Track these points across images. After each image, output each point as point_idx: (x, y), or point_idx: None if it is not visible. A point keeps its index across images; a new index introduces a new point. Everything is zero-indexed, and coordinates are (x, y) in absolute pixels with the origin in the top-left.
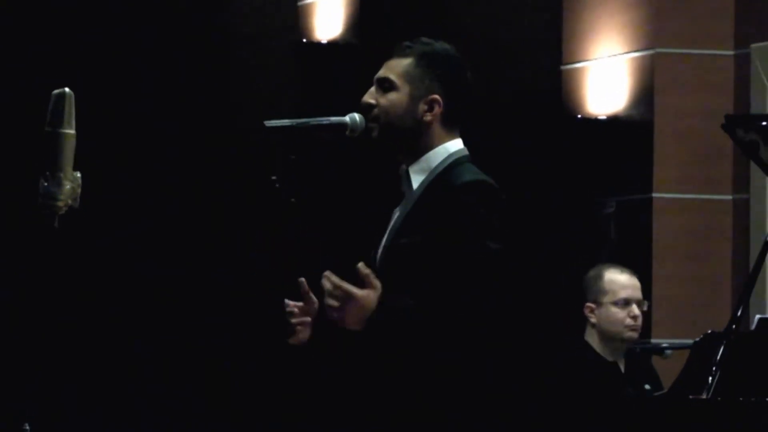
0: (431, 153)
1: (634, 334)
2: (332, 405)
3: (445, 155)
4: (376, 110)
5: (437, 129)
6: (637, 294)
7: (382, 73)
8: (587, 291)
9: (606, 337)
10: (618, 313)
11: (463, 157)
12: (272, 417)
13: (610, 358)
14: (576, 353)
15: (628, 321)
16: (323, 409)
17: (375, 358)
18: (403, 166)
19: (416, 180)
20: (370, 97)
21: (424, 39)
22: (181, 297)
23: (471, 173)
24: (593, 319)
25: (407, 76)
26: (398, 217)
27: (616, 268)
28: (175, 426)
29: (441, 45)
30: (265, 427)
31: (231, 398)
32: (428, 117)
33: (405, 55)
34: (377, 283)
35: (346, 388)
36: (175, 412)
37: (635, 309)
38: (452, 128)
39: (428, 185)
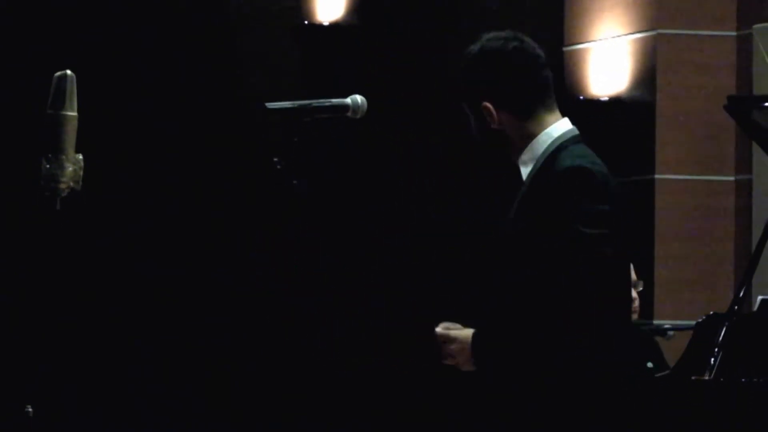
0: (535, 141)
1: (633, 315)
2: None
3: (549, 141)
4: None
5: (518, 125)
6: (632, 275)
7: None
8: None
9: None
10: None
11: (570, 139)
12: (272, 417)
13: None
14: None
15: None
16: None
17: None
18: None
19: (525, 170)
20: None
21: (465, 51)
22: (181, 297)
23: (570, 158)
24: None
25: (464, 99)
26: (513, 207)
27: None
28: (175, 426)
29: (476, 47)
30: (265, 427)
31: (231, 398)
32: (495, 124)
33: (457, 80)
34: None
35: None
36: (175, 412)
37: (632, 291)
38: (536, 113)
39: (534, 174)
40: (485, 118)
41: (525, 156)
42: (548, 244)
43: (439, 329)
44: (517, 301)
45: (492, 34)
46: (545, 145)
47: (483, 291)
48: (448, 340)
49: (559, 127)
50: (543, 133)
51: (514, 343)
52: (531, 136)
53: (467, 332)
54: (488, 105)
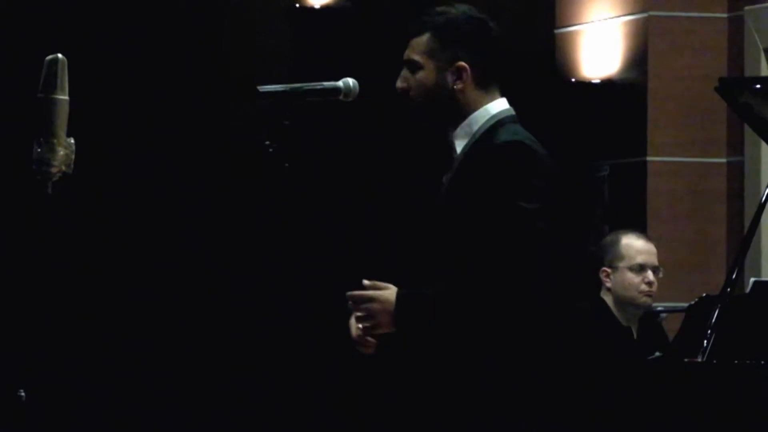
0: (472, 117)
1: (649, 300)
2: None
3: (487, 117)
4: (411, 92)
5: (473, 93)
6: (653, 260)
7: (406, 54)
8: (604, 255)
9: (620, 301)
10: (633, 278)
11: (507, 117)
12: (272, 417)
13: (624, 323)
14: (592, 313)
15: (643, 287)
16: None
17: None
18: (450, 134)
19: (459, 145)
20: (401, 81)
21: (439, 9)
22: (181, 297)
23: (509, 134)
24: (608, 284)
25: (428, 52)
26: (445, 182)
27: (633, 233)
28: (175, 426)
29: (456, 10)
30: (265, 427)
31: (231, 398)
32: (459, 85)
33: (422, 31)
34: (388, 285)
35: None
36: (175, 411)
37: (650, 275)
38: (489, 88)
39: (469, 148)
40: (448, 77)
41: (461, 131)
42: (485, 217)
43: (356, 293)
44: (450, 273)
45: (466, 6)
46: (482, 121)
47: (413, 264)
48: (367, 299)
49: (497, 105)
50: (482, 109)
51: (444, 310)
52: (472, 109)
53: (389, 292)
54: (464, 64)
